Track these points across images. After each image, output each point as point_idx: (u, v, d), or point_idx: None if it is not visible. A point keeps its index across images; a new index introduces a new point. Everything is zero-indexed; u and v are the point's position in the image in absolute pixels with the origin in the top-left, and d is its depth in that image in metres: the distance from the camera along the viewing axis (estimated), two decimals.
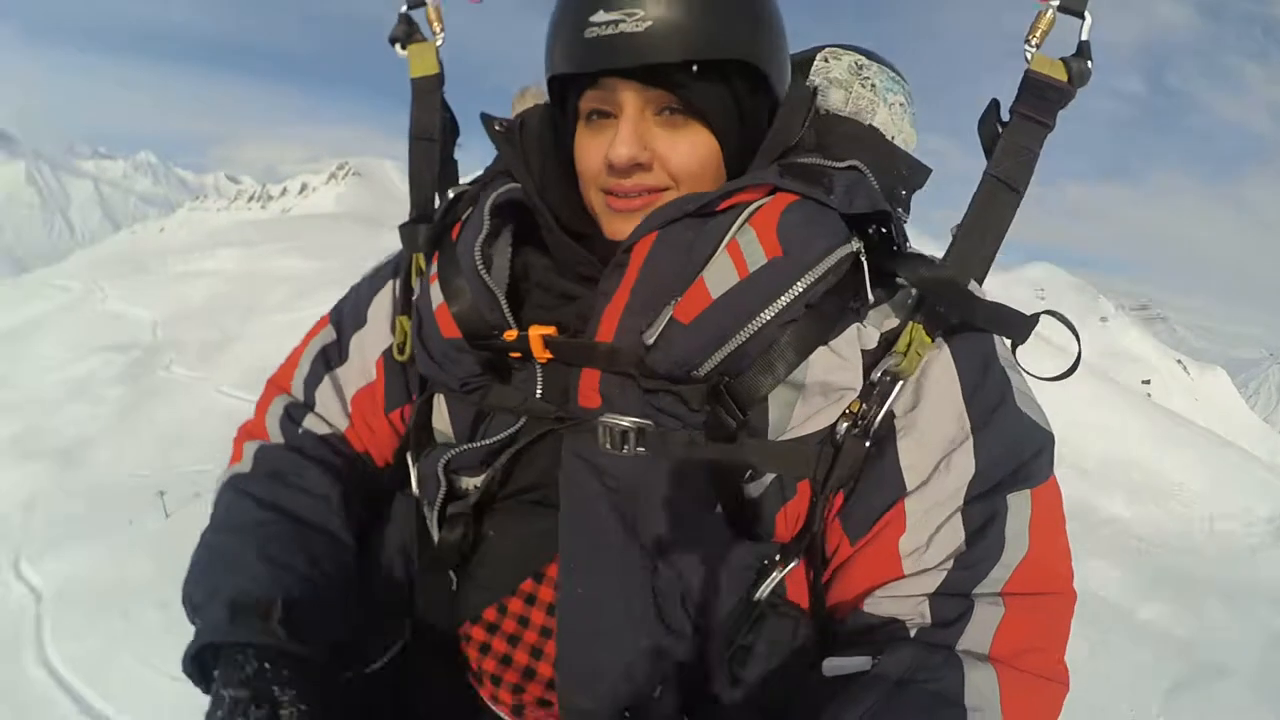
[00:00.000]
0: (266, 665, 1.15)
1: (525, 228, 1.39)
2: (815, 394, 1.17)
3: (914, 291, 1.22)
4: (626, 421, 1.18)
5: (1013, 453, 1.18)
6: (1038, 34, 1.28)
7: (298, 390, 1.57)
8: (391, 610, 1.44)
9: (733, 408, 1.15)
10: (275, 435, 1.51)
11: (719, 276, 1.14)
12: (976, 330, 1.23)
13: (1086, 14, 1.28)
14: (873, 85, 1.57)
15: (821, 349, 1.16)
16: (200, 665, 1.19)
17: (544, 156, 1.39)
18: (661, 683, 1.20)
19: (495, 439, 1.32)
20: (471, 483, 1.37)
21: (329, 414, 1.55)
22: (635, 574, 1.20)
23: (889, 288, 1.25)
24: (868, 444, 1.18)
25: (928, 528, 1.16)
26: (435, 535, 1.40)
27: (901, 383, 1.18)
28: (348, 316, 1.60)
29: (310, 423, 1.53)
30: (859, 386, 1.18)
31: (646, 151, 1.22)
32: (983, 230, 1.23)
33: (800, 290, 1.12)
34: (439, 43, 1.54)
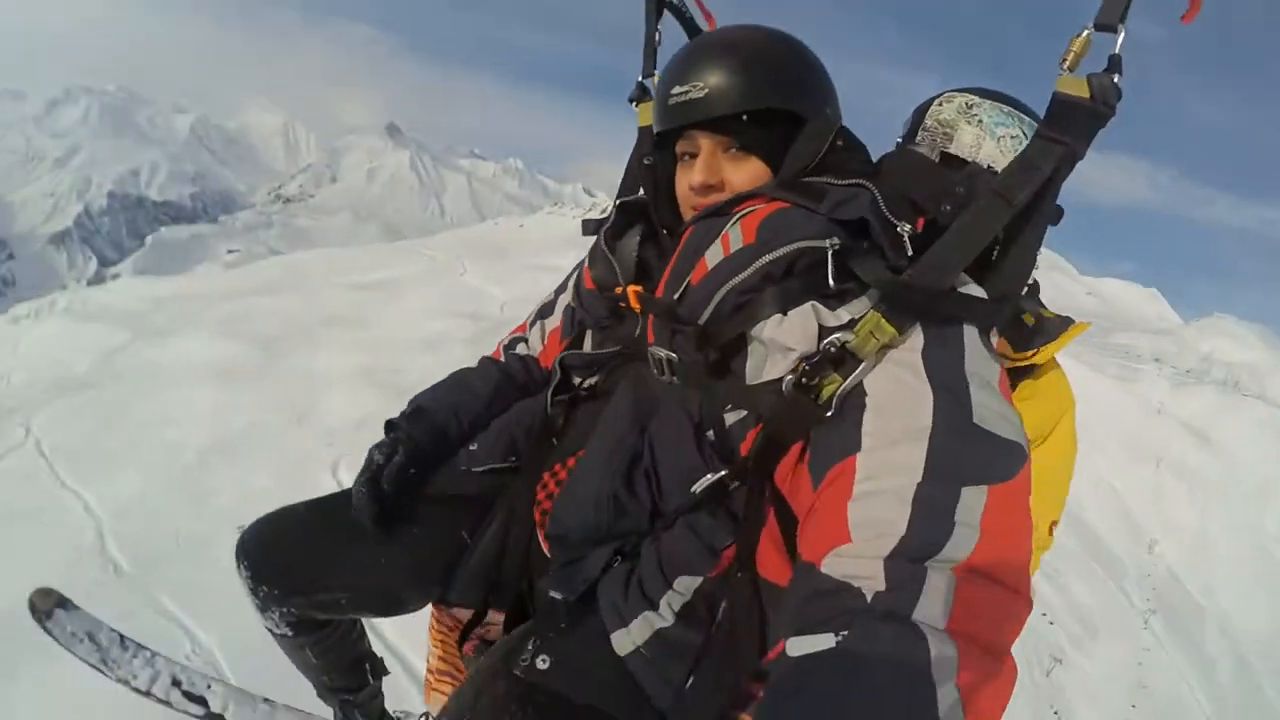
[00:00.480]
0: (399, 437, 2.06)
1: (653, 228, 1.99)
2: (774, 350, 1.49)
3: None
4: (662, 353, 1.64)
5: (968, 455, 1.27)
6: (1070, 56, 1.44)
7: (528, 329, 2.42)
8: (509, 445, 2.10)
9: (710, 348, 1.55)
10: (500, 354, 2.42)
11: (714, 255, 1.59)
12: (952, 323, 1.42)
13: (1120, 27, 1.40)
14: (980, 121, 2.01)
15: (777, 314, 1.47)
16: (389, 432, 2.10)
17: (659, 187, 1.96)
18: (611, 523, 1.63)
19: (596, 352, 2.04)
20: (586, 382, 2.03)
21: (531, 344, 2.40)
22: (623, 447, 1.67)
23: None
24: (819, 401, 1.40)
25: (874, 493, 1.25)
26: (548, 409, 2.06)
27: (863, 362, 1.38)
28: (562, 284, 2.34)
29: (519, 348, 2.41)
30: (803, 349, 1.44)
31: (716, 177, 1.77)
32: (963, 237, 1.42)
33: (758, 266, 1.50)
34: None
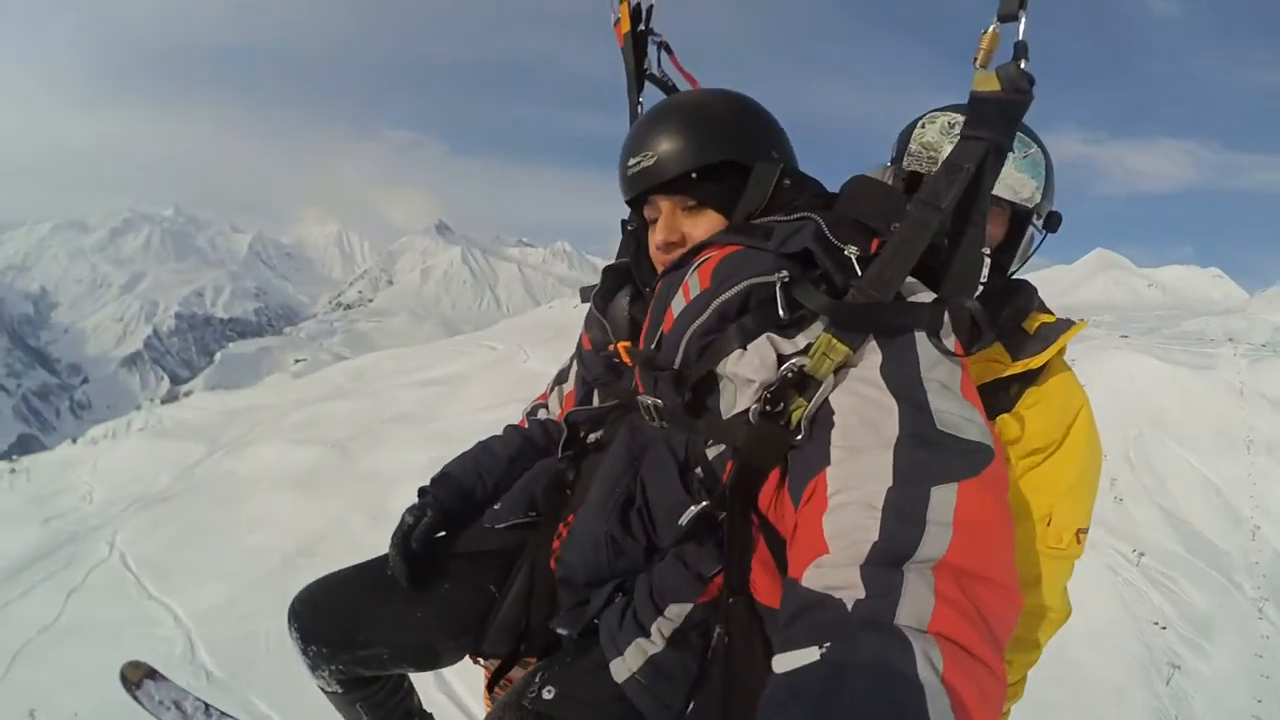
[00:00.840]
0: (428, 500, 2.23)
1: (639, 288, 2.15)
2: (740, 384, 1.56)
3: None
4: (649, 399, 1.75)
5: (932, 458, 1.28)
6: (980, 54, 1.48)
7: (549, 396, 2.61)
8: (529, 501, 2.18)
9: (684, 389, 1.64)
10: (525, 421, 2.58)
11: (678, 304, 1.71)
12: (902, 333, 1.45)
13: (1021, 15, 1.42)
14: None
15: (738, 350, 1.55)
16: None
17: (639, 249, 2.12)
18: (611, 562, 1.73)
19: (598, 407, 2.16)
20: (591, 436, 2.15)
21: (551, 409, 2.57)
22: (616, 490, 1.77)
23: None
24: (789, 426, 1.47)
25: (847, 504, 1.28)
26: (562, 464, 2.17)
27: (823, 382, 1.44)
28: (575, 352, 2.50)
29: (540, 414, 2.58)
30: (761, 379, 1.50)
31: (676, 234, 1.91)
32: (898, 248, 1.47)
33: (714, 308, 1.60)
34: None
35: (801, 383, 1.47)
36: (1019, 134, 2.01)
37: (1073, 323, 1.98)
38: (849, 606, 1.14)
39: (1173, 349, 15.53)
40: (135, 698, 2.80)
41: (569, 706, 1.67)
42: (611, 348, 2.11)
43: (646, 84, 2.47)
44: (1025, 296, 2.02)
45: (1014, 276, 2.15)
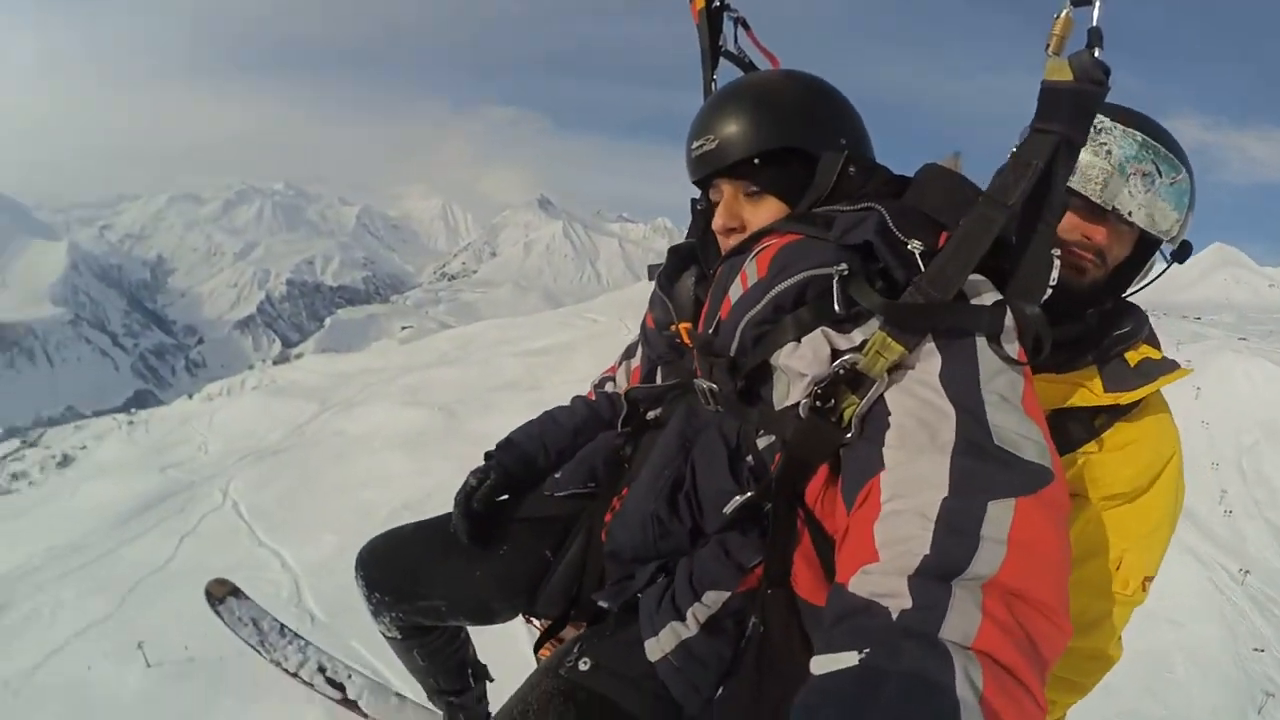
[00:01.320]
0: (492, 464, 2.26)
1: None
2: (792, 377, 1.50)
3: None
4: (705, 383, 1.72)
5: (991, 470, 1.23)
6: (1053, 40, 1.39)
7: (617, 370, 2.56)
8: (589, 472, 2.21)
9: (738, 376, 1.61)
10: (592, 393, 2.53)
11: (735, 292, 1.65)
12: (961, 336, 1.38)
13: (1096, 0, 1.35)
14: (1107, 153, 1.81)
15: (792, 342, 1.50)
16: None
17: (706, 230, 2.02)
18: (656, 542, 1.73)
19: (657, 385, 2.13)
20: (650, 413, 2.12)
21: (619, 383, 2.51)
22: (666, 471, 1.76)
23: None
24: (840, 423, 1.41)
25: (900, 511, 1.23)
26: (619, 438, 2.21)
27: (876, 380, 1.38)
28: (640, 328, 2.43)
29: (608, 387, 2.54)
30: (814, 373, 1.44)
31: (736, 219, 1.83)
32: (960, 247, 1.40)
33: (770, 298, 1.54)
34: None
35: (854, 379, 1.41)
36: (1168, 154, 1.86)
37: (1177, 366, 1.83)
38: (893, 615, 1.11)
39: None
40: (217, 612, 2.97)
41: (602, 678, 1.70)
42: (674, 328, 2.03)
43: (722, 61, 2.36)
44: (1134, 324, 1.91)
45: (1128, 299, 2.00)
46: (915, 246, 1.45)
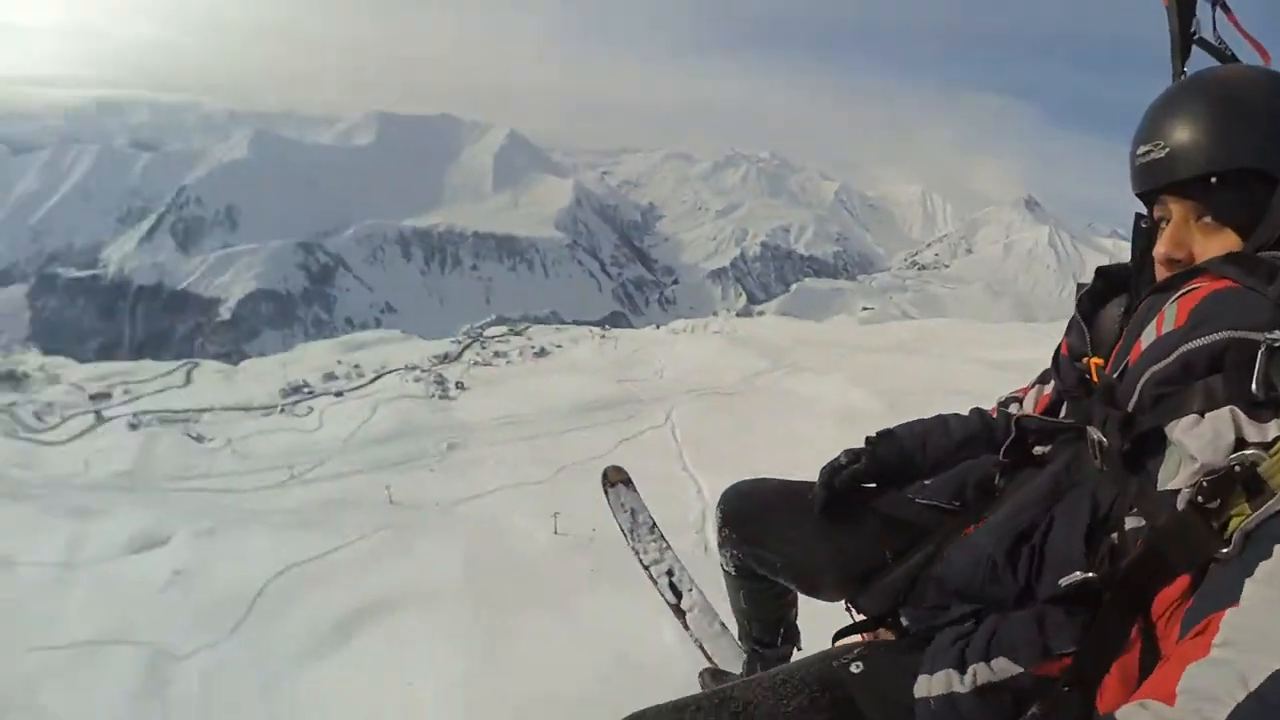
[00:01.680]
0: (866, 450, 2.26)
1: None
2: (1184, 457, 1.28)
3: None
4: (1096, 434, 1.53)
5: None
6: None
7: (1028, 391, 2.23)
8: (958, 488, 2.08)
9: (1128, 436, 1.42)
10: (994, 408, 2.33)
11: (1148, 336, 1.45)
12: None
13: None
14: None
15: (1194, 415, 1.28)
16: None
17: (1145, 252, 1.72)
18: (982, 587, 1.60)
19: (1051, 421, 1.88)
20: (1036, 448, 1.89)
21: (1025, 406, 2.20)
22: (1020, 519, 1.61)
23: None
24: (1221, 532, 1.17)
25: (1222, 663, 1.03)
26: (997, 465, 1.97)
27: (1277, 492, 1.12)
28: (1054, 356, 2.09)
29: (1012, 408, 2.25)
30: (1206, 460, 1.22)
31: (1182, 250, 1.55)
32: None
33: (1180, 354, 1.33)
34: None
35: (1253, 483, 1.16)
36: None
37: None
38: None
39: None
40: (606, 493, 3.37)
41: (865, 687, 1.66)
42: (1086, 360, 1.78)
43: (1196, 52, 1.99)
44: None
45: None
46: None
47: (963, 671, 1.50)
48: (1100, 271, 1.93)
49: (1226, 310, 1.32)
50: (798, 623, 2.87)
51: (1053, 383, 2.13)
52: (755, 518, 2.39)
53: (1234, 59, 1.95)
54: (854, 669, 1.68)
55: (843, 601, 2.31)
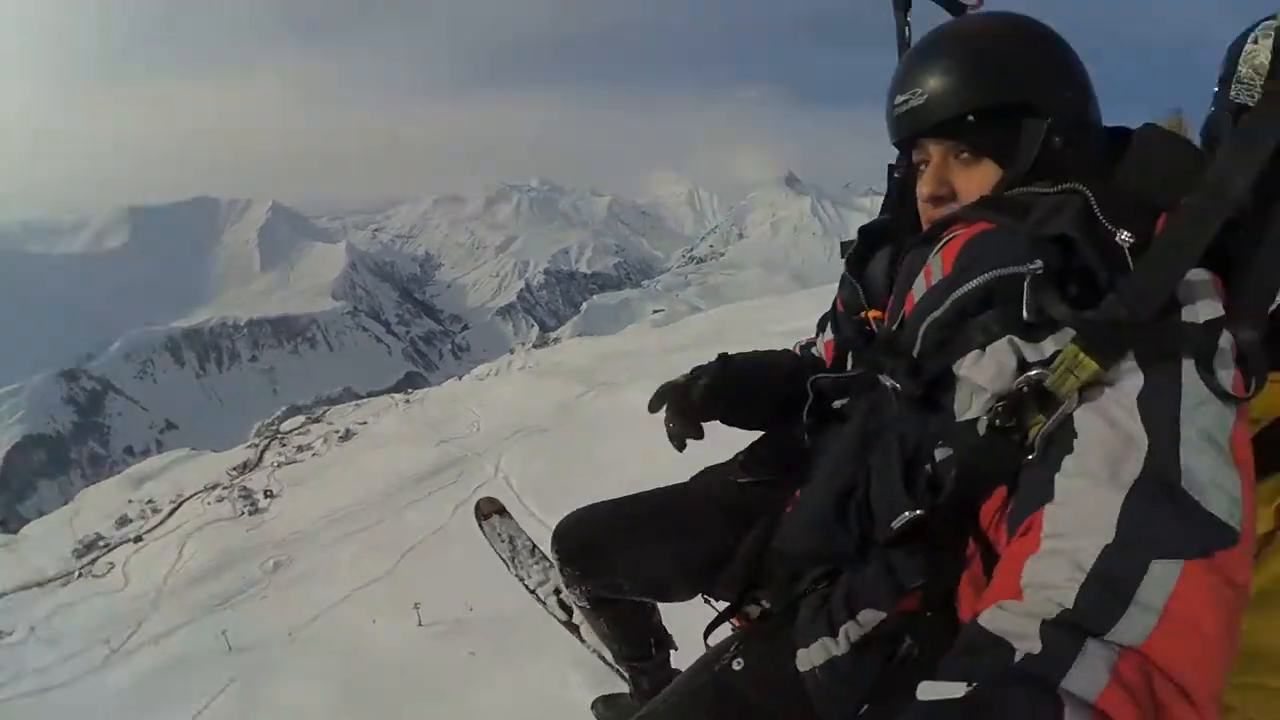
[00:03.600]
0: (708, 369, 2.14)
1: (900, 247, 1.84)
2: (974, 389, 1.38)
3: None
4: (889, 381, 1.57)
5: (1169, 518, 1.09)
6: None
7: (817, 339, 2.39)
8: (775, 458, 2.15)
9: (918, 380, 1.47)
10: (796, 350, 2.47)
11: (918, 288, 1.53)
12: (1165, 359, 1.20)
13: None
14: None
15: (976, 351, 1.37)
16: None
17: (905, 200, 1.90)
18: (822, 548, 1.65)
19: (844, 375, 1.95)
20: (836, 403, 1.93)
21: (818, 347, 2.37)
22: (839, 476, 1.62)
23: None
24: (1023, 443, 1.28)
25: (1055, 552, 1.13)
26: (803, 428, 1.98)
27: (1066, 400, 1.22)
28: (830, 311, 2.27)
29: (813, 350, 2.41)
30: (995, 388, 1.32)
31: (945, 187, 1.65)
32: (1167, 251, 1.22)
33: (953, 300, 1.41)
34: None
35: (1042, 397, 1.26)
36: None
37: None
38: (1017, 657, 1.04)
39: None
40: (480, 527, 3.32)
41: (751, 681, 1.76)
42: (864, 314, 1.90)
43: (918, 6, 2.11)
44: None
45: None
46: (1125, 239, 1.29)
47: (834, 635, 1.57)
48: (862, 231, 2.02)
49: (987, 252, 1.41)
50: (664, 624, 2.88)
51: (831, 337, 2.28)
52: (592, 548, 2.38)
53: (956, 6, 2.02)
54: (736, 666, 1.77)
55: (700, 597, 2.35)
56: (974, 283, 1.39)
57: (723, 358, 2.24)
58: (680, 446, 2.12)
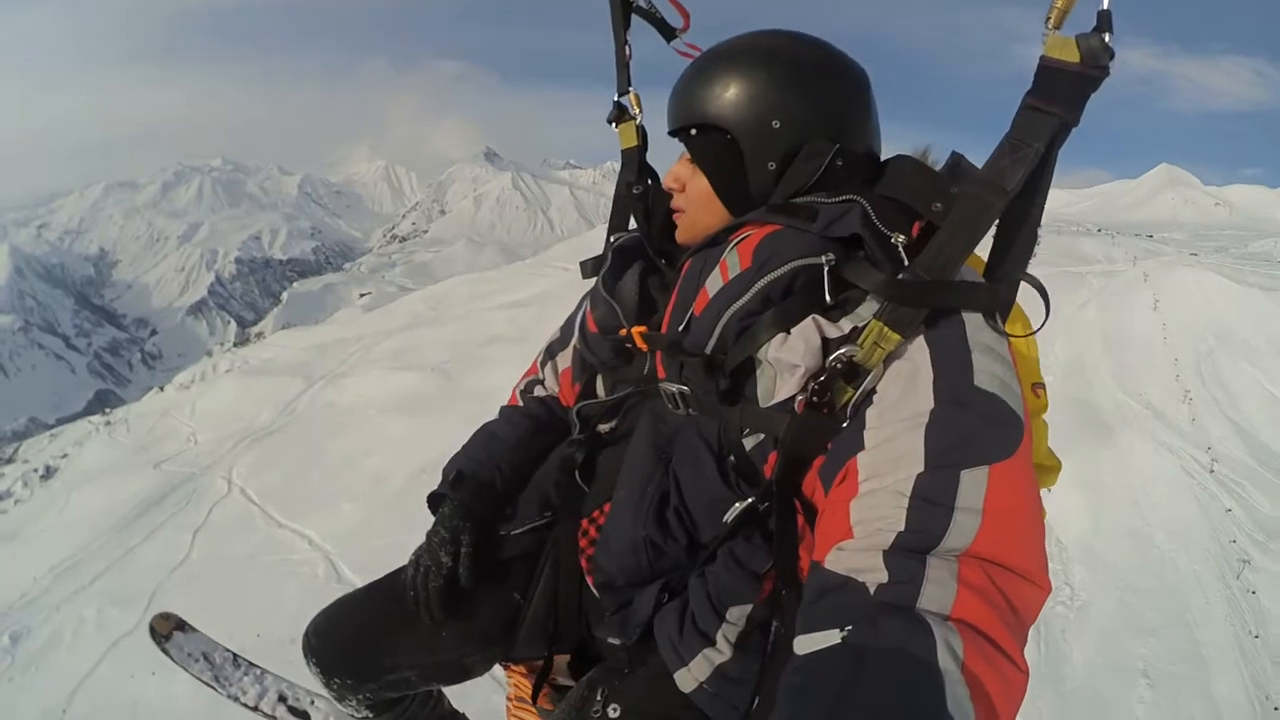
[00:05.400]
0: (459, 516, 2.05)
1: (652, 262, 1.98)
2: (782, 370, 1.49)
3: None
4: (673, 387, 1.70)
5: (967, 432, 1.29)
6: (1054, 13, 1.30)
7: (540, 370, 2.39)
8: (542, 500, 2.10)
9: (719, 375, 1.58)
10: (517, 399, 2.39)
11: (714, 283, 1.62)
12: (949, 315, 1.41)
13: None
14: None
15: (780, 334, 1.49)
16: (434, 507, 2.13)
17: (650, 213, 2.07)
18: (652, 565, 1.67)
19: (612, 397, 1.99)
20: (604, 427, 1.99)
21: (547, 385, 2.36)
22: (649, 489, 1.68)
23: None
24: (834, 413, 1.45)
25: (876, 490, 1.29)
26: (574, 459, 2.00)
27: (875, 369, 1.41)
28: (568, 323, 2.30)
29: (536, 390, 2.38)
30: (807, 365, 1.45)
31: (677, 182, 1.84)
32: (958, 233, 1.40)
33: (758, 289, 1.53)
34: (638, 121, 2.14)
35: (850, 372, 1.43)
36: None
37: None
38: (871, 590, 1.17)
39: (1243, 269, 15.73)
40: (164, 650, 2.71)
41: None
42: (623, 332, 1.91)
43: (634, 19, 2.16)
44: None
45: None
46: (899, 239, 1.47)
47: (713, 643, 1.57)
48: (617, 250, 2.01)
49: (785, 246, 1.55)
50: (454, 706, 2.68)
51: (570, 357, 2.26)
52: (361, 647, 2.11)
53: (665, 25, 2.12)
54: (612, 713, 1.66)
55: (497, 666, 2.25)
56: (780, 270, 1.52)
57: (458, 484, 2.13)
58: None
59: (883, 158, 1.82)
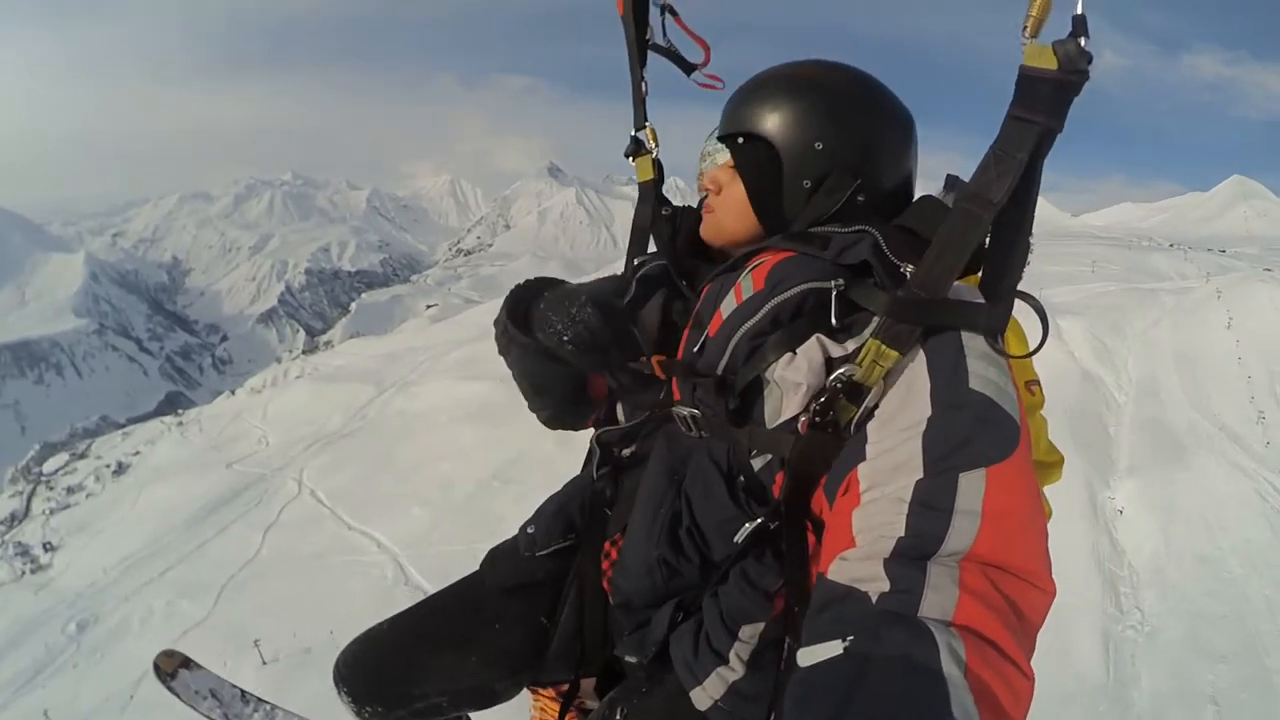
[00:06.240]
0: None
1: (676, 288, 2.00)
2: (787, 389, 1.55)
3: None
4: (686, 410, 1.74)
5: (963, 435, 1.30)
6: (1030, 22, 1.31)
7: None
8: (567, 522, 2.07)
9: (729, 395, 1.62)
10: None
11: (728, 306, 1.68)
12: (946, 330, 1.44)
13: None
14: None
15: (787, 354, 1.54)
16: None
17: (675, 237, 2.07)
18: (666, 584, 1.70)
19: (629, 424, 2.01)
20: (625, 451, 2.03)
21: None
22: (662, 511, 1.73)
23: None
24: (838, 431, 1.48)
25: (877, 499, 1.31)
26: (594, 482, 2.06)
27: (875, 386, 1.44)
28: None
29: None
30: (810, 383, 1.50)
31: (714, 185, 1.90)
32: (947, 247, 1.42)
33: (768, 310, 1.58)
34: (654, 155, 2.12)
35: (852, 390, 1.45)
36: None
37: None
38: (873, 599, 1.17)
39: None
40: (171, 689, 2.65)
41: None
42: (643, 359, 1.91)
43: (650, 56, 2.13)
44: None
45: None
46: (907, 269, 1.48)
47: (726, 661, 1.60)
48: (641, 279, 2.06)
49: (797, 270, 1.60)
50: None
51: None
52: (391, 677, 2.13)
53: (682, 60, 2.12)
54: None
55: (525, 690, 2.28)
56: (790, 292, 1.56)
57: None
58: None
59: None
